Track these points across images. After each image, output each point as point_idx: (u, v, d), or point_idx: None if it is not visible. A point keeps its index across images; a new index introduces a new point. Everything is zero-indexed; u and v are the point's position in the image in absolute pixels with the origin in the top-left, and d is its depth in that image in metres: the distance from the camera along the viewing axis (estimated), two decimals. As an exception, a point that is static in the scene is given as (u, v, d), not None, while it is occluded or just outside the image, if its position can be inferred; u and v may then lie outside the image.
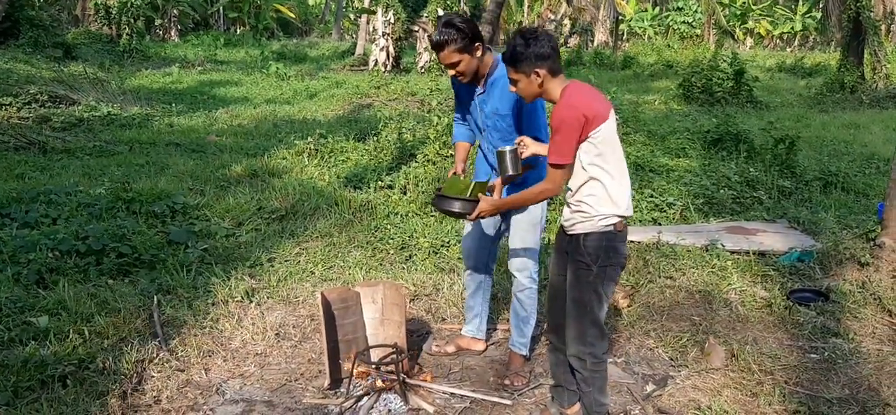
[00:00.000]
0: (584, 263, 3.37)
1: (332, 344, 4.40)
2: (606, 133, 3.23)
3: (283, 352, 4.90)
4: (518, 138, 3.74)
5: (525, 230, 4.29)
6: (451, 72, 4.06)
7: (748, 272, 6.12)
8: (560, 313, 3.63)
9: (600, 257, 3.28)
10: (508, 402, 4.23)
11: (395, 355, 4.32)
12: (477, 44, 3.89)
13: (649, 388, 4.37)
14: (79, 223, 6.63)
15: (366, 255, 6.55)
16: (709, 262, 6.26)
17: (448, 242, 6.71)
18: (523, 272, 4.31)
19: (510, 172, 3.78)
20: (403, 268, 6.25)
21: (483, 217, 3.84)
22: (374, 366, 4.28)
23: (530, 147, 3.77)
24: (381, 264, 6.37)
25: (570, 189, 3.42)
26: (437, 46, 3.87)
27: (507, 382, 4.43)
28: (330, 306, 4.42)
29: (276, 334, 5.10)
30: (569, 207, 3.41)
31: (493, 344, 5.02)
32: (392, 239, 6.83)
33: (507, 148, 3.61)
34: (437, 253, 6.56)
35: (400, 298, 4.56)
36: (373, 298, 4.68)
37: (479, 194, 3.85)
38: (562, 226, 3.51)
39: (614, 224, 3.30)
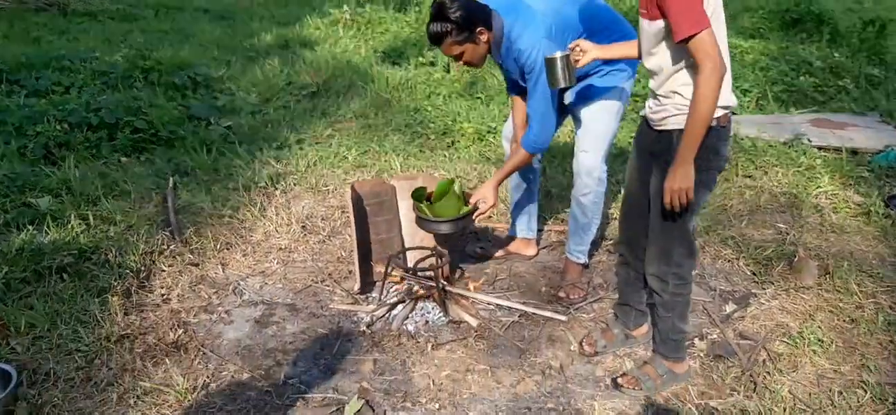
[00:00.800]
0: (677, 166, 2.73)
1: (363, 244, 3.87)
2: (716, 2, 2.52)
3: (309, 248, 4.41)
4: (573, 42, 3.02)
5: (598, 120, 3.59)
6: (458, 63, 3.43)
7: (838, 173, 5.39)
8: (637, 224, 3.03)
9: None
10: (563, 317, 3.69)
11: (434, 260, 3.77)
12: (479, 28, 3.26)
13: (729, 308, 3.79)
14: (92, 93, 6.13)
15: (404, 140, 5.96)
16: (794, 160, 5.53)
17: (495, 128, 6.07)
18: (591, 173, 3.65)
19: (561, 84, 3.09)
20: (445, 156, 5.66)
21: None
22: (410, 271, 3.73)
23: (589, 52, 3.06)
24: (420, 151, 5.77)
25: (656, 73, 2.73)
26: (434, 40, 3.28)
27: (561, 294, 3.88)
28: (361, 201, 3.86)
29: (303, 227, 4.60)
30: (657, 98, 2.73)
31: (545, 248, 4.46)
32: (433, 123, 6.21)
33: (558, 54, 2.93)
34: (482, 139, 5.94)
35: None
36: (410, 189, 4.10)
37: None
38: (646, 120, 2.85)
39: (718, 118, 2.62)
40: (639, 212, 3.03)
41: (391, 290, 3.88)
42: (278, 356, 3.40)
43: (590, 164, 3.63)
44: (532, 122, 3.46)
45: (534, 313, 3.75)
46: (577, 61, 3.09)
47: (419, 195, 3.72)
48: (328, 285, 4.01)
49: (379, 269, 3.94)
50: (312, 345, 3.48)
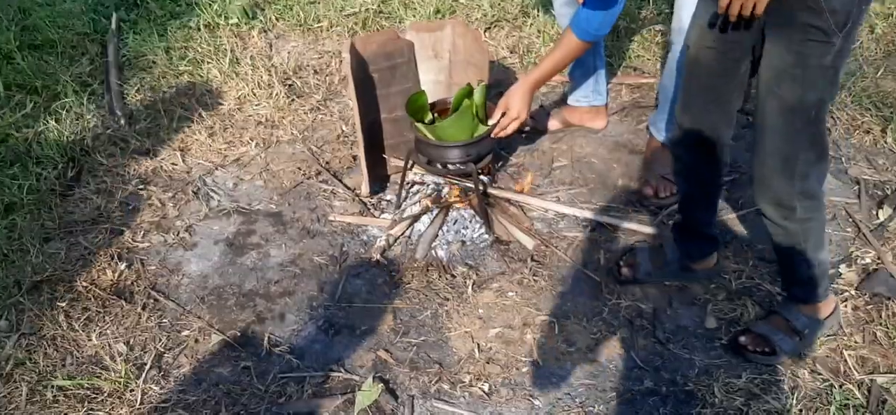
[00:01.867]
0: (819, 32, 1.71)
1: (371, 126, 2.84)
2: None
3: (298, 120, 3.37)
4: None
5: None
6: None
7: None
8: (713, 113, 2.07)
9: (849, 19, 1.63)
10: (650, 228, 2.72)
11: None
12: None
13: (883, 213, 2.79)
14: None
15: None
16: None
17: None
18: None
19: None
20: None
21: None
22: (437, 167, 2.72)
23: None
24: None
25: None
26: None
27: (647, 189, 2.89)
28: (365, 67, 2.78)
29: (288, 88, 3.53)
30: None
31: (615, 114, 3.39)
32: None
33: None
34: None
35: (479, 48, 2.86)
36: (435, 48, 3.00)
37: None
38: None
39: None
40: (716, 96, 2.01)
41: (412, 192, 2.88)
42: (259, 305, 2.49)
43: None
44: None
45: (611, 224, 2.76)
46: None
47: (418, 107, 2.66)
48: (325, 182, 3.02)
49: (394, 161, 2.92)
50: (306, 284, 2.56)
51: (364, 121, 2.76)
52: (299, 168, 3.09)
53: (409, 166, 2.81)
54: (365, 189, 2.87)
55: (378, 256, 2.64)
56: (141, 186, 2.95)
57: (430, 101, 2.73)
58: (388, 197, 2.94)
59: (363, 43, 2.81)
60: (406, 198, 2.87)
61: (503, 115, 2.55)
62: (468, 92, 2.66)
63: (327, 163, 3.13)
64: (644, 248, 2.62)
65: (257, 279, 2.58)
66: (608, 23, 2.34)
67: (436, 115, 2.74)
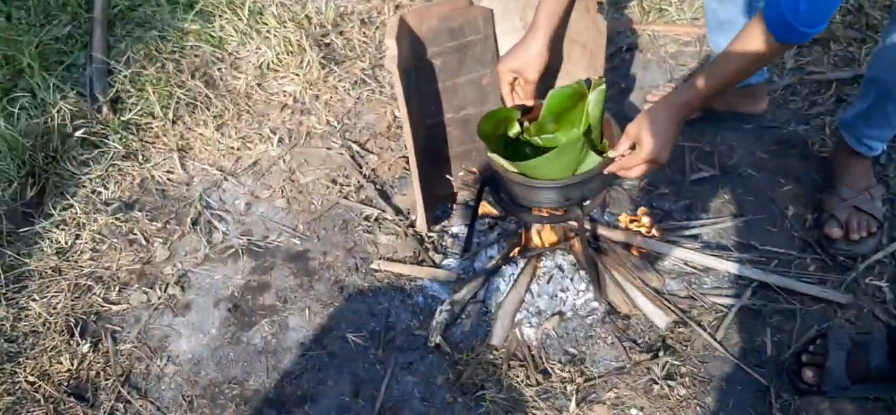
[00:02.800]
0: None
1: (429, 136, 2.03)
2: None
3: (337, 99, 2.60)
4: None
5: None
6: None
7: None
8: None
9: None
10: (843, 297, 1.86)
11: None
12: None
13: None
14: None
15: None
16: None
17: None
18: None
19: None
20: None
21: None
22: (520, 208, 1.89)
23: None
24: None
25: None
26: None
27: (833, 229, 2.01)
28: (421, 49, 1.95)
29: (325, 46, 2.72)
30: None
31: (779, 92, 2.46)
32: None
33: None
34: None
35: (593, 24, 1.97)
36: (526, 17, 2.13)
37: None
38: None
39: None
40: None
41: (486, 230, 2.08)
42: (267, 420, 1.77)
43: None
44: None
45: (780, 288, 1.91)
46: None
47: (494, 125, 1.82)
48: (368, 201, 2.24)
49: (462, 174, 2.12)
50: (335, 381, 1.86)
51: (418, 129, 1.95)
52: (334, 181, 2.32)
53: (482, 193, 2.00)
54: (421, 224, 2.08)
55: (437, 339, 1.87)
56: (121, 214, 2.23)
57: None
58: (455, 229, 2.14)
59: (417, 17, 1.95)
60: (478, 240, 2.07)
61: (631, 148, 1.68)
62: (577, 94, 1.81)
63: (372, 171, 2.34)
64: (837, 338, 1.76)
65: (268, 370, 1.86)
66: (819, 14, 1.42)
67: (523, 125, 1.90)
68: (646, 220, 2.04)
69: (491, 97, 2.10)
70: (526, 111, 1.91)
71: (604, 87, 1.79)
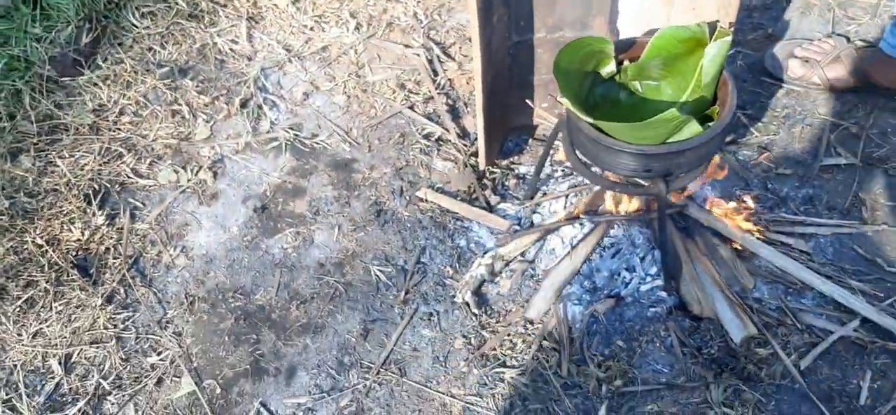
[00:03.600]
0: None
1: (511, 58, 1.78)
2: None
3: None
4: None
5: None
6: None
7: None
8: None
9: None
10: None
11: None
12: None
13: None
14: None
15: None
16: None
17: None
18: None
19: None
20: None
21: None
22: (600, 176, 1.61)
23: None
24: None
25: None
26: None
27: None
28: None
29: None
30: None
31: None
32: None
33: None
34: None
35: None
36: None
37: None
38: None
39: None
40: None
41: (558, 178, 1.82)
42: (266, 341, 1.66)
43: None
44: None
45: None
46: None
47: (580, 59, 1.50)
48: (435, 116, 2.01)
49: (546, 105, 1.84)
50: (345, 317, 1.69)
51: (500, 45, 1.68)
52: (403, 85, 2.10)
53: (554, 141, 1.72)
54: (482, 157, 1.83)
55: (466, 296, 1.65)
56: (170, 79, 2.11)
57: (621, 41, 1.59)
58: (523, 168, 1.88)
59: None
60: (544, 190, 1.81)
61: None
62: (694, 40, 1.49)
63: (449, 82, 2.10)
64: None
65: (279, 286, 1.71)
66: None
67: (622, 64, 1.60)
68: (752, 205, 1.71)
69: (596, 21, 1.79)
70: (627, 46, 1.60)
71: (729, 39, 1.45)
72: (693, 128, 1.41)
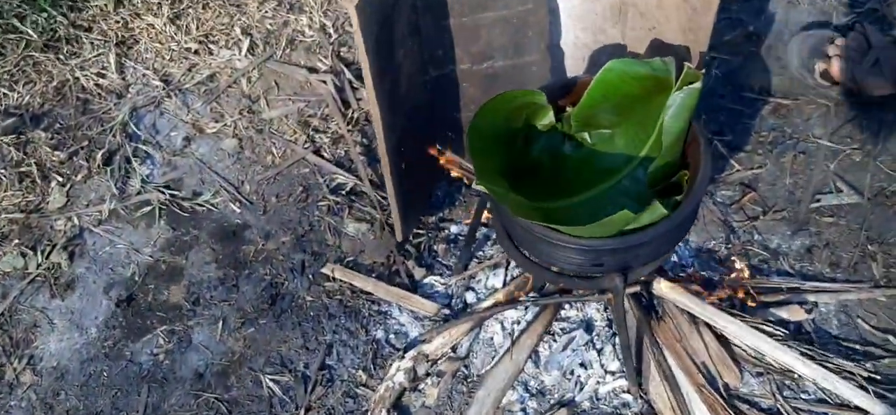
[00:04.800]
0: None
1: (425, 93, 1.45)
2: None
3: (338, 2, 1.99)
4: None
5: None
6: None
7: None
8: None
9: None
10: None
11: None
12: None
13: None
14: None
15: None
16: None
17: None
18: None
19: None
20: None
21: None
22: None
23: None
24: None
25: None
26: None
27: None
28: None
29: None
30: None
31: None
32: None
33: None
34: None
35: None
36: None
37: None
38: None
39: None
40: None
41: (491, 242, 1.51)
42: None
43: None
44: None
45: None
46: None
47: (505, 115, 1.22)
48: (344, 167, 1.69)
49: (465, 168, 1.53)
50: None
51: (411, 82, 1.37)
52: (307, 123, 1.76)
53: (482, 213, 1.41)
54: (398, 231, 1.51)
55: (383, 409, 1.34)
56: (19, 131, 1.76)
57: (558, 83, 1.29)
58: (455, 228, 1.57)
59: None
60: (480, 249, 1.50)
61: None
62: (653, 81, 1.18)
63: (364, 116, 1.77)
64: None
65: (145, 411, 1.39)
66: None
67: (564, 113, 1.28)
68: (742, 270, 1.41)
69: (532, 45, 1.47)
70: (566, 89, 1.29)
71: (698, 86, 1.14)
72: (655, 211, 1.10)
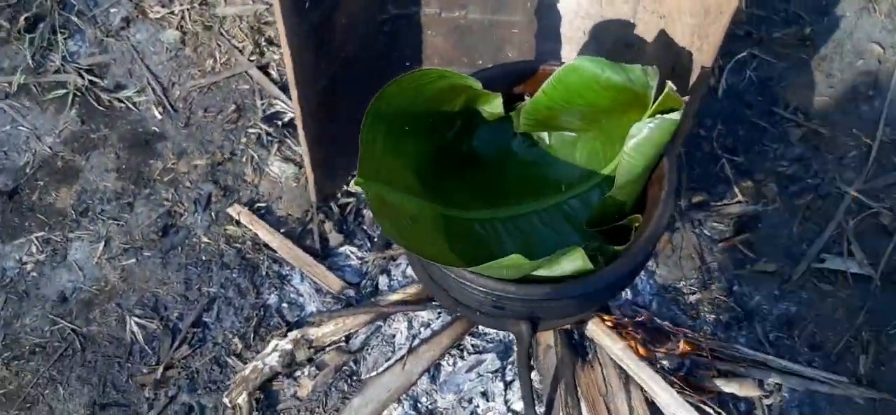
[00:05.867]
0: None
1: (378, 38, 1.25)
2: None
3: None
4: None
5: None
6: None
7: None
8: None
9: None
10: None
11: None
12: None
13: None
14: None
15: None
16: None
17: None
18: None
19: None
20: None
21: None
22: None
23: None
24: None
25: None
26: None
27: None
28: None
29: None
30: None
31: None
32: None
33: None
34: None
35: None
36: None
37: None
38: None
39: None
40: None
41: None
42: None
43: None
44: None
45: None
46: None
47: (432, 97, 1.00)
48: (284, 87, 1.50)
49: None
50: (68, 396, 1.22)
51: (355, 27, 1.17)
52: (263, 29, 1.58)
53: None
54: (312, 191, 1.33)
55: (240, 399, 1.20)
56: None
57: (512, 67, 1.08)
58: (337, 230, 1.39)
59: None
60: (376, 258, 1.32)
61: None
62: (628, 95, 0.97)
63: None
64: None
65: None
66: None
67: (519, 103, 1.07)
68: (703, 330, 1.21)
69: (517, 1, 1.25)
70: (524, 74, 1.08)
71: (677, 117, 0.91)
72: (577, 261, 0.89)
